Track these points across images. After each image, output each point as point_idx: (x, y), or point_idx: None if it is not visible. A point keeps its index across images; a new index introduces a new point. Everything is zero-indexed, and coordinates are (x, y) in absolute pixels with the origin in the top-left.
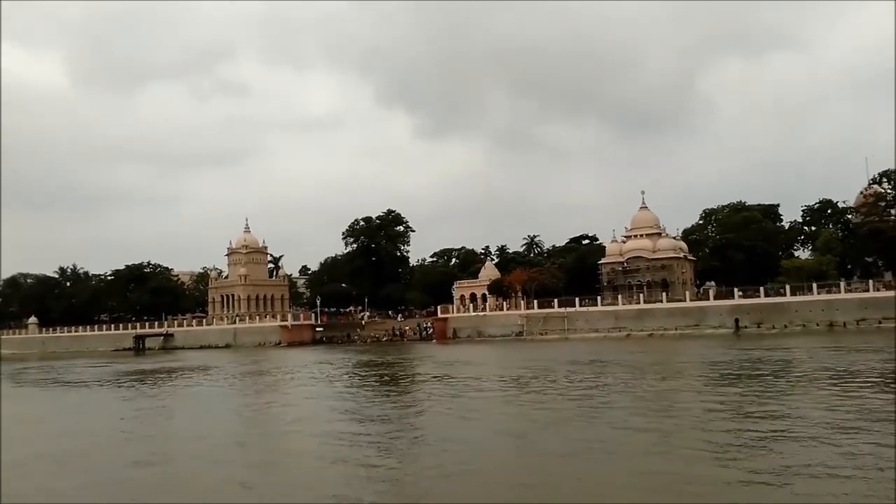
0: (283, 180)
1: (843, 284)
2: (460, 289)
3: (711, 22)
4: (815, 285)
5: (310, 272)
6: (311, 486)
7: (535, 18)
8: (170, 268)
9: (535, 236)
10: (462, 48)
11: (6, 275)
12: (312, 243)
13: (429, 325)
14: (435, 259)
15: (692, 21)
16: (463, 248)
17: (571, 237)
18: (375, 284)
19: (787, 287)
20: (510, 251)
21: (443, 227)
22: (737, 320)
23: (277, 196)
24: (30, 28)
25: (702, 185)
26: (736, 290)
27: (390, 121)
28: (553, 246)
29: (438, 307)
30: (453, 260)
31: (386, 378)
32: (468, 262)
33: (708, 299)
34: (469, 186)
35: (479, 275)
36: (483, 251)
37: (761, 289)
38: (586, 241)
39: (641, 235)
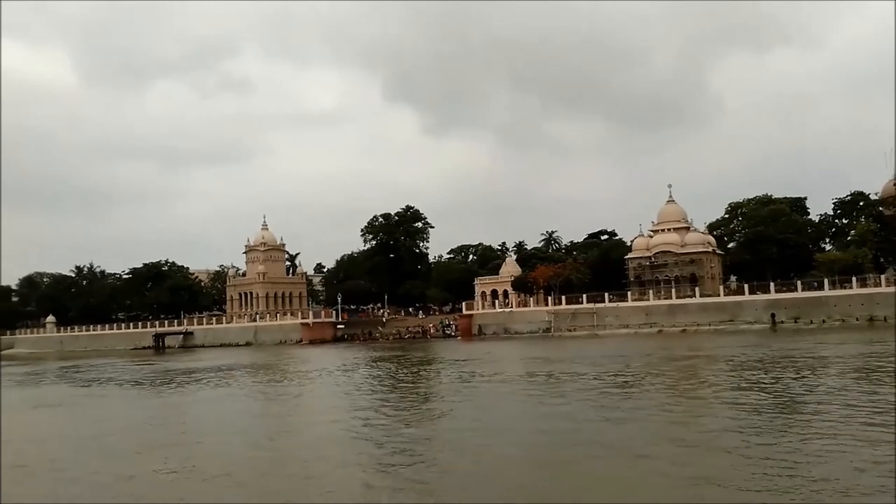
0: (288, 177)
1: (883, 278)
2: (481, 285)
3: (716, 16)
4: (853, 279)
5: (325, 270)
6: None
7: (539, 13)
8: (186, 266)
9: (552, 232)
10: (466, 44)
11: (21, 275)
12: (320, 240)
13: (452, 322)
14: (452, 255)
15: (697, 15)
16: (480, 244)
17: (590, 233)
18: (394, 281)
19: (825, 281)
20: (528, 247)
21: (450, 223)
22: (773, 315)
23: (284, 193)
24: (36, 25)
25: (713, 179)
26: (772, 284)
27: (395, 117)
28: (571, 241)
29: (463, 304)
30: (471, 256)
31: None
32: (486, 258)
33: (742, 294)
34: (475, 182)
35: (500, 271)
36: (500, 247)
37: (798, 282)
38: (605, 237)
39: (669, 230)
